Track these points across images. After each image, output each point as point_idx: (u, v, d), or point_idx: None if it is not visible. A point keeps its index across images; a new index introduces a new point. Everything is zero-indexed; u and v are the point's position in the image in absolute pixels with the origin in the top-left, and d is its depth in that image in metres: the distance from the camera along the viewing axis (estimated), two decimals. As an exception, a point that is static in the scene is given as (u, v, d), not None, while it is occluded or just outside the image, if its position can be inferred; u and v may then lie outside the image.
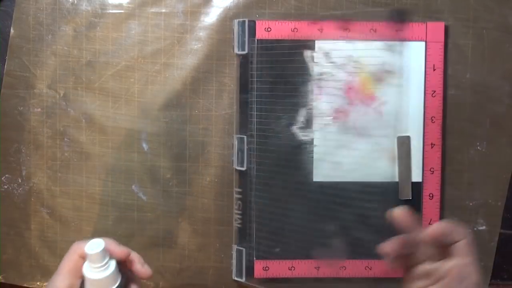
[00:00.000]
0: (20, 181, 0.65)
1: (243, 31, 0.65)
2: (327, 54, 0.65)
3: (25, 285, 0.66)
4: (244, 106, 0.65)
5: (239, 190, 0.66)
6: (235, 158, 0.65)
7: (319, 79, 0.65)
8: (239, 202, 0.66)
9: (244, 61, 0.65)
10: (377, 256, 0.66)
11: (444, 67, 0.65)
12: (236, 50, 0.65)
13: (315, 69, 0.65)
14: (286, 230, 0.66)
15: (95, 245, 0.47)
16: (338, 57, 0.65)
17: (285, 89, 0.65)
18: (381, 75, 0.66)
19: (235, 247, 0.66)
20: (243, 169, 0.65)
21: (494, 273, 0.68)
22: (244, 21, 0.65)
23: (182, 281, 0.67)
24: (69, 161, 0.65)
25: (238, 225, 0.66)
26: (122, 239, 0.65)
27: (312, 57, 0.65)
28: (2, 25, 0.65)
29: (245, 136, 0.65)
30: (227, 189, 0.66)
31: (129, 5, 0.65)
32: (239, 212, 0.66)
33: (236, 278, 0.66)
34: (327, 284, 0.67)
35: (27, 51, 0.64)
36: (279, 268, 0.66)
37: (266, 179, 0.65)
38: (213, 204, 0.66)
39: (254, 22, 0.65)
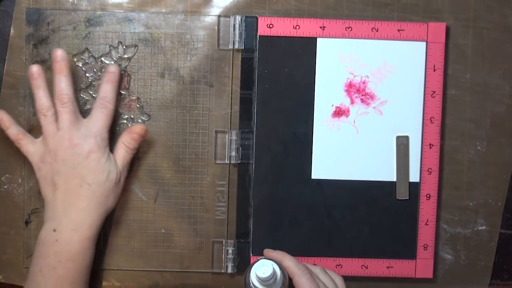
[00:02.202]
0: (20, 181, 0.65)
1: (245, 27, 0.65)
2: (328, 52, 0.65)
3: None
4: (244, 102, 0.66)
5: (223, 182, 0.66)
6: (227, 153, 0.66)
7: (320, 77, 0.65)
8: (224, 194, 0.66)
9: (246, 57, 0.65)
10: (373, 255, 0.66)
11: (444, 67, 0.65)
12: (236, 46, 0.65)
13: (316, 67, 0.65)
14: (283, 227, 0.66)
15: (264, 268, 0.52)
16: (339, 55, 0.65)
17: (286, 86, 0.65)
18: (381, 75, 0.66)
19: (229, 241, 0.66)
20: (238, 162, 0.66)
21: (494, 273, 0.68)
22: (246, 17, 0.65)
23: (182, 281, 0.67)
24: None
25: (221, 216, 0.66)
26: (122, 239, 0.66)
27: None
28: (2, 25, 0.65)
29: (245, 132, 0.65)
30: (227, 189, 0.66)
31: (129, 5, 0.65)
32: (223, 204, 0.66)
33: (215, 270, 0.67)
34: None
35: (27, 51, 0.65)
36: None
37: (265, 175, 0.66)
38: (213, 204, 0.66)
39: (257, 18, 0.65)
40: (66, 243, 0.59)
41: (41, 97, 0.60)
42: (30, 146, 0.62)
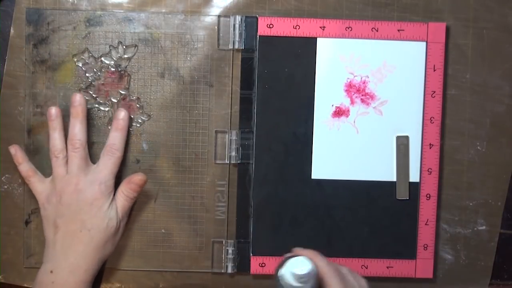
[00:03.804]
0: (20, 181, 0.65)
1: (245, 27, 0.65)
2: (328, 52, 0.65)
3: (25, 285, 0.66)
4: (244, 102, 0.66)
5: (224, 182, 0.66)
6: (227, 153, 0.66)
7: (320, 77, 0.65)
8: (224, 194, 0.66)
9: (246, 57, 0.65)
10: (373, 255, 0.66)
11: (444, 67, 0.65)
12: (237, 46, 0.65)
13: (316, 67, 0.65)
14: (283, 227, 0.66)
15: (302, 265, 0.51)
16: (339, 55, 0.65)
17: (286, 86, 0.65)
18: (381, 75, 0.66)
19: (229, 241, 0.66)
20: (239, 162, 0.66)
21: (494, 273, 0.68)
22: (246, 17, 0.65)
23: (182, 281, 0.67)
24: (69, 161, 0.65)
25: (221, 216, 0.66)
26: (122, 239, 0.66)
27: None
28: (2, 25, 0.65)
29: (245, 132, 0.65)
30: (227, 189, 0.66)
31: (129, 5, 0.65)
32: (223, 204, 0.66)
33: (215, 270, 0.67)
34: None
35: (27, 51, 0.65)
36: (275, 264, 0.66)
37: (265, 175, 0.66)
38: (213, 204, 0.66)
39: (257, 18, 0.65)
40: (62, 285, 0.59)
41: (55, 138, 0.62)
42: (38, 185, 0.63)
